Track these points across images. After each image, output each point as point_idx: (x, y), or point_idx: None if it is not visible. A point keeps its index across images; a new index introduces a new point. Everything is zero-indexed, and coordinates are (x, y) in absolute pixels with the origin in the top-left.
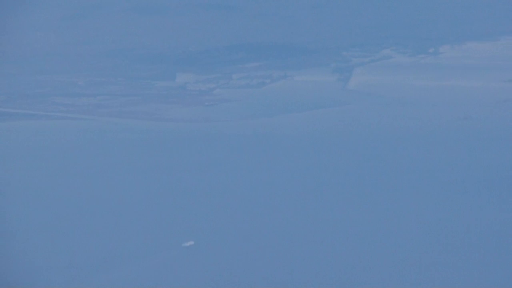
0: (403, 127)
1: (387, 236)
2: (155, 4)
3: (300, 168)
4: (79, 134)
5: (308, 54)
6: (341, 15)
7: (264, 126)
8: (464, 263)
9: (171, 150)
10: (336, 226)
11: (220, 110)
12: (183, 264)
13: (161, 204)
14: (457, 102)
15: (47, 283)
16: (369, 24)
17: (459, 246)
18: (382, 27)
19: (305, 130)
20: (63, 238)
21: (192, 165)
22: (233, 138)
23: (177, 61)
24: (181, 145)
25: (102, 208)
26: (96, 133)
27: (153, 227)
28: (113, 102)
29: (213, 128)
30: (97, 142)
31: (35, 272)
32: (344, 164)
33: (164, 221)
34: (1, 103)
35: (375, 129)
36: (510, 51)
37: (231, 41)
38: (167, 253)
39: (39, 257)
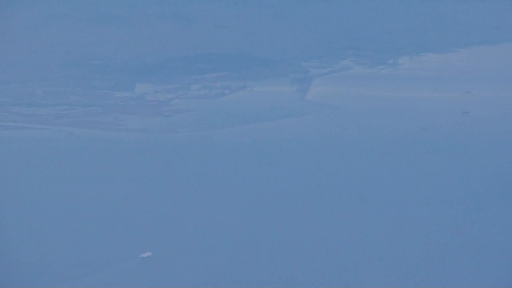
0: (362, 138)
1: (338, 243)
2: (114, 14)
3: (257, 177)
4: (38, 144)
5: (267, 65)
6: (301, 26)
7: (222, 136)
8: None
9: (129, 160)
10: (291, 236)
11: (178, 121)
12: (140, 274)
13: (118, 214)
14: (416, 113)
15: None
16: (328, 35)
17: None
18: (342, 39)
19: (264, 141)
20: (21, 248)
21: (150, 175)
22: (191, 149)
23: (135, 71)
24: (139, 155)
25: (58, 217)
26: (55, 143)
27: (110, 238)
28: (71, 112)
29: (171, 139)
30: (55, 152)
31: None
32: (301, 173)
33: (122, 231)
34: None
35: (334, 140)
36: (467, 63)
37: (190, 52)
38: (124, 263)
39: None
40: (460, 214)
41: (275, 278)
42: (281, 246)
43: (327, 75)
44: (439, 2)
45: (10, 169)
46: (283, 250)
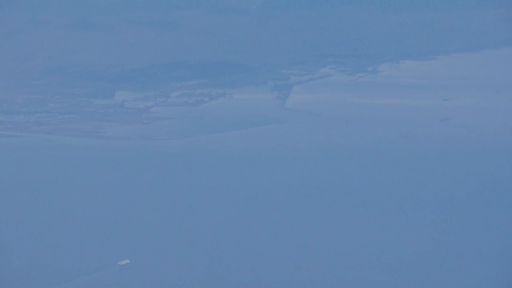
0: (341, 145)
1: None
2: (93, 21)
3: (237, 184)
4: (16, 151)
5: (247, 72)
6: (281, 34)
7: (202, 143)
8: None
9: (109, 167)
10: (270, 244)
11: (158, 128)
12: (119, 282)
13: (98, 220)
14: (396, 120)
15: None
16: (308, 42)
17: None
18: (322, 46)
19: (243, 147)
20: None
21: (129, 182)
22: (170, 156)
23: (115, 78)
24: (119, 163)
25: (38, 224)
26: (34, 150)
27: (89, 245)
28: (51, 120)
29: (150, 146)
30: (34, 159)
31: None
32: (281, 180)
33: (101, 239)
34: None
35: (314, 147)
36: (447, 70)
37: (169, 59)
38: (102, 271)
39: None
40: (442, 219)
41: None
42: (265, 251)
43: (306, 82)
44: (419, 10)
45: None
46: (266, 256)
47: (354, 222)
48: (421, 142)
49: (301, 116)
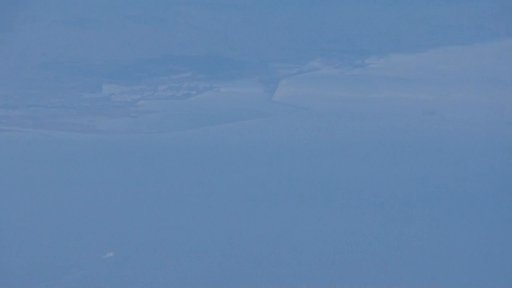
0: (329, 139)
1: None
2: (79, 17)
3: (225, 178)
4: (7, 145)
5: (234, 65)
6: (267, 27)
7: (189, 137)
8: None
9: (97, 161)
10: (260, 241)
11: (145, 121)
12: (105, 277)
13: (88, 217)
14: (384, 114)
15: None
16: (295, 36)
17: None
18: (309, 39)
19: (231, 141)
20: None
21: (117, 176)
22: (158, 149)
23: (102, 72)
24: (107, 157)
25: (28, 221)
26: (24, 145)
27: (77, 240)
28: (39, 114)
29: (138, 140)
30: (25, 154)
31: None
32: (270, 175)
33: (88, 234)
34: None
35: (301, 140)
36: (436, 64)
37: (157, 53)
38: (89, 266)
39: None
40: (436, 215)
41: None
42: (255, 248)
43: (294, 76)
44: (406, 3)
45: None
46: (254, 253)
47: (345, 218)
48: (410, 136)
49: (288, 110)
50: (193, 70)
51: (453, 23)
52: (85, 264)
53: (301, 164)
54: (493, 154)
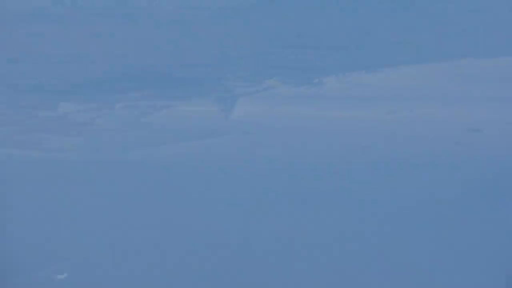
0: (288, 158)
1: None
2: (40, 32)
3: (181, 196)
4: None
5: (191, 83)
6: (223, 44)
7: (146, 156)
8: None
9: (51, 181)
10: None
11: (102, 140)
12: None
13: (38, 237)
14: (342, 132)
15: None
16: (252, 53)
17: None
18: (266, 57)
19: (187, 161)
20: None
21: (72, 196)
22: (115, 168)
23: (57, 90)
24: (61, 177)
25: None
26: None
27: (29, 258)
28: None
29: (94, 159)
30: None
31: None
32: (223, 195)
33: (42, 254)
34: None
35: (260, 159)
36: (394, 82)
37: (112, 70)
38: (39, 286)
39: None
40: (400, 230)
41: None
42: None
43: (252, 94)
44: (364, 19)
45: None
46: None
47: (302, 240)
48: (368, 154)
49: (246, 129)
50: (149, 87)
51: (411, 40)
52: (38, 283)
53: (258, 183)
54: (448, 168)
